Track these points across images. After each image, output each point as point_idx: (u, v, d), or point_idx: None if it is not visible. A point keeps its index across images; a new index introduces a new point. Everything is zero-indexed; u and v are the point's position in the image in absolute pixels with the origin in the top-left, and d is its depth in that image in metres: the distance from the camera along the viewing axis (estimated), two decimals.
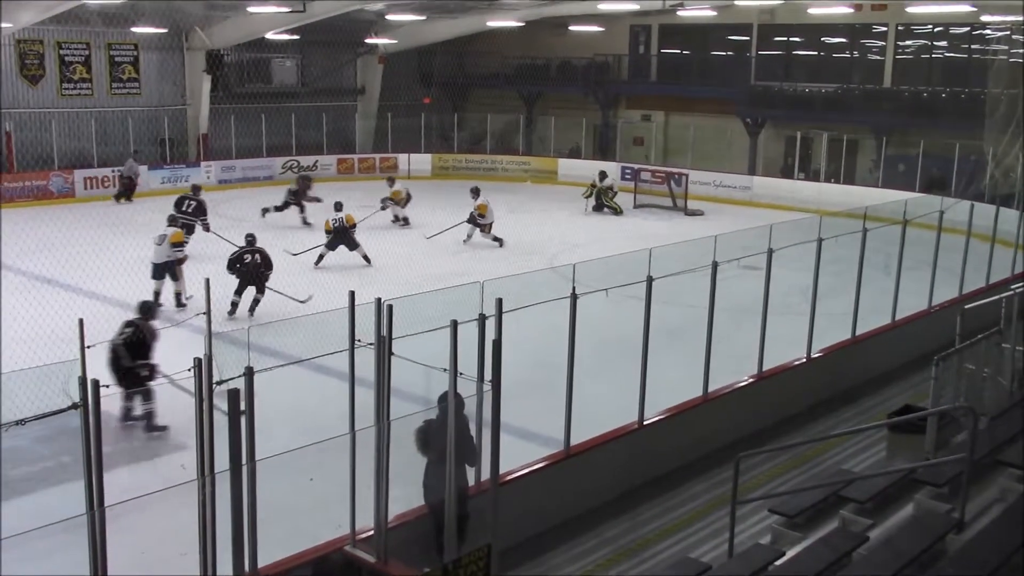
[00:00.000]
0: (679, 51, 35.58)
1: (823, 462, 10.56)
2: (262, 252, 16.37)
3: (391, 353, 7.04)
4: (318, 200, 23.29)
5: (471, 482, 8.01)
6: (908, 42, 30.18)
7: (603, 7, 28.18)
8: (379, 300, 7.11)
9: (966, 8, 22.78)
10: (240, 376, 6.25)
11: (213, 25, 30.64)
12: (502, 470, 8.16)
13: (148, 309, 11.70)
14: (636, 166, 30.94)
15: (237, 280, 16.11)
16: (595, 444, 9.55)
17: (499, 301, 7.27)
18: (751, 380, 11.58)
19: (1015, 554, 6.06)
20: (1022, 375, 10.65)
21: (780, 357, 12.15)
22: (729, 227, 14.95)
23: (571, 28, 34.42)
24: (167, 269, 16.37)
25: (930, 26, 29.28)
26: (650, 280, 9.71)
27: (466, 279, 8.53)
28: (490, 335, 7.35)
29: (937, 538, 6.74)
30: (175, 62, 31.53)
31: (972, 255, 15.85)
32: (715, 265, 10.70)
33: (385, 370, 7.06)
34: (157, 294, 15.95)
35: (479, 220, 22.36)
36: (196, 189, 21.20)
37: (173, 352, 6.90)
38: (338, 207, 20.37)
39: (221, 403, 6.14)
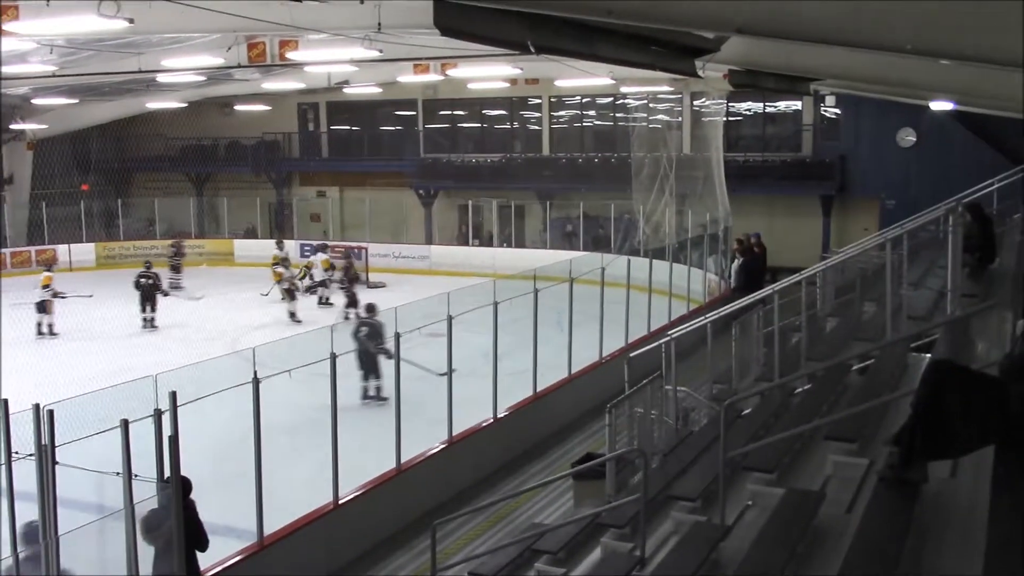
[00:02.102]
0: (349, 127, 36.06)
1: (517, 518, 10.85)
2: (375, 327, 14.51)
3: (55, 462, 6.48)
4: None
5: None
6: (561, 113, 32.42)
7: (267, 86, 27.94)
8: (37, 406, 6.53)
9: (607, 81, 24.78)
10: None
11: None
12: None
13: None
14: (315, 242, 30.79)
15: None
16: (290, 531, 9.28)
17: (173, 394, 6.92)
18: (443, 446, 11.75)
19: None
20: (685, 413, 11.59)
21: (470, 420, 12.44)
22: (410, 297, 15.21)
23: (237, 108, 33.85)
24: (42, 307, 20.86)
25: (579, 97, 31.62)
26: (334, 357, 9.65)
27: (139, 373, 8.05)
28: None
29: None
30: None
31: (634, 306, 17.09)
32: (397, 336, 10.84)
33: (49, 482, 6.47)
34: (39, 324, 20.67)
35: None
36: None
37: None
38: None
39: None
